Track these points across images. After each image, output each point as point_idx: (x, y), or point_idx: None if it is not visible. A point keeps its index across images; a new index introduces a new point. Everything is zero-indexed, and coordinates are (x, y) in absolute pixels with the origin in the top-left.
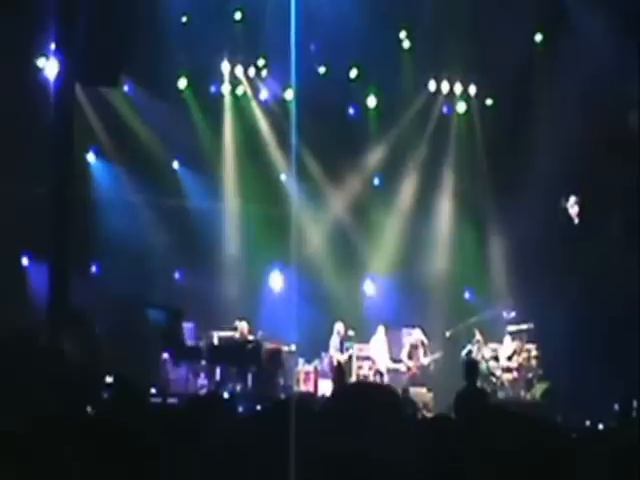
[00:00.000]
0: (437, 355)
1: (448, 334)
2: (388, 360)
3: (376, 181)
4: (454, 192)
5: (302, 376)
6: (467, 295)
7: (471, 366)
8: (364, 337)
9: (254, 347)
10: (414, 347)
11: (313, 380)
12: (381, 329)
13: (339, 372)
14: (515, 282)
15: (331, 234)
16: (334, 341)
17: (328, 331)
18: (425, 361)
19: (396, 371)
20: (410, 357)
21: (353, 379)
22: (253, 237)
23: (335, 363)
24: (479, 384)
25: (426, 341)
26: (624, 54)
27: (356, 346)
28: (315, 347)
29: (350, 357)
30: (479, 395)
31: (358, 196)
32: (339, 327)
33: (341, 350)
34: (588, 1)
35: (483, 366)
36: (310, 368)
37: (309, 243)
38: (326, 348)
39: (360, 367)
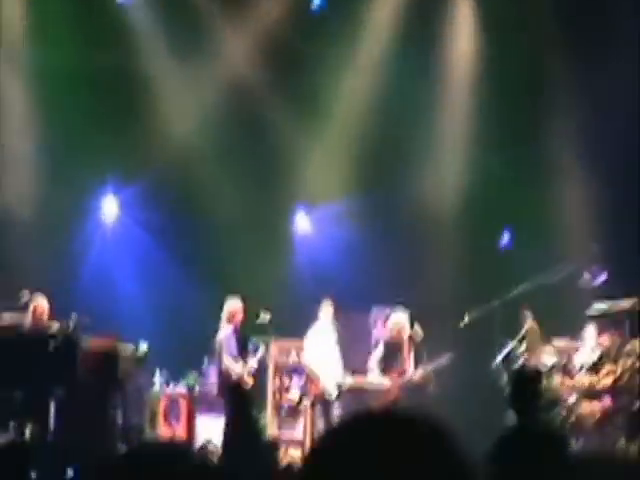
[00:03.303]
0: (441, 361)
1: (466, 320)
2: (341, 372)
3: None
4: (480, 23)
5: (162, 405)
6: (505, 241)
7: (528, 381)
8: (292, 327)
9: (62, 346)
10: (394, 346)
11: (185, 414)
12: (327, 309)
13: (235, 396)
14: (605, 215)
15: (223, 109)
16: (227, 337)
17: (215, 315)
18: (418, 373)
19: (359, 392)
20: (387, 366)
21: (268, 412)
22: (58, 116)
23: (230, 379)
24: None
25: (419, 333)
26: None
27: (274, 346)
28: (189, 349)
29: (260, 368)
30: (552, 443)
31: (276, 29)
32: (236, 307)
33: (241, 354)
34: None
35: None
36: (179, 390)
37: (178, 129)
38: (212, 351)
39: (283, 388)
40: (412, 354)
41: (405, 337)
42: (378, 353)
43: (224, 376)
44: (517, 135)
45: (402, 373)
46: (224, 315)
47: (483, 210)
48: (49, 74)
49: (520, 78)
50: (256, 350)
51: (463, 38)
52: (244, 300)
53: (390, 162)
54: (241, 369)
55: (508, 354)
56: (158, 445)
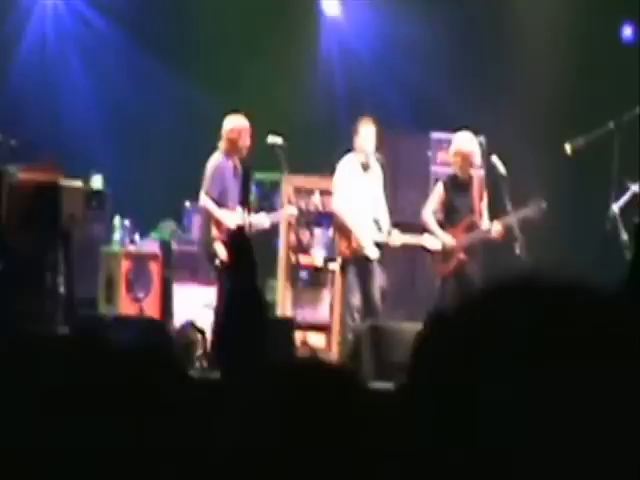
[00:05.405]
0: (528, 210)
1: (568, 149)
2: (386, 223)
3: None
4: None
5: (124, 268)
6: (627, 34)
7: None
8: (314, 156)
9: None
10: (459, 185)
11: (157, 281)
12: (366, 132)
13: (238, 251)
14: None
15: None
16: (216, 168)
17: (206, 138)
18: (494, 226)
19: (410, 252)
20: (449, 215)
21: (278, 283)
22: None
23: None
24: None
25: (498, 166)
26: None
27: (287, 184)
28: (165, 188)
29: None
30: None
31: None
32: (238, 126)
33: (243, 193)
34: None
35: None
36: (149, 248)
37: None
38: (198, 192)
39: (301, 246)
40: (486, 197)
41: (475, 171)
42: (436, 196)
43: (205, 228)
44: None
45: (471, 225)
46: (221, 139)
47: None
48: None
49: None
50: (263, 197)
51: None
52: (250, 119)
53: None
54: (233, 220)
55: (630, 202)
56: (118, 323)
